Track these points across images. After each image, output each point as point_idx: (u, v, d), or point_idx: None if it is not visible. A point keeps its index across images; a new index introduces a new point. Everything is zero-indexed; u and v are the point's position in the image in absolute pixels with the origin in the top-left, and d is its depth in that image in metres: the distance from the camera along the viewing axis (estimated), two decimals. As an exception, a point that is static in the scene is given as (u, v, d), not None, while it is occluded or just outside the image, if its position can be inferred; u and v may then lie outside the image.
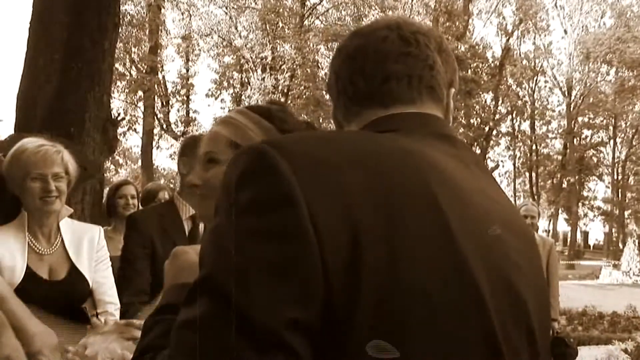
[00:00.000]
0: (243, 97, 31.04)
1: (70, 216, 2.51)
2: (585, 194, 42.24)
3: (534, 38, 37.63)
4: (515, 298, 0.91)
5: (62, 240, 2.42)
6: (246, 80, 31.32)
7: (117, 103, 26.85)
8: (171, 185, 19.44)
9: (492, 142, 36.93)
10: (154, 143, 29.31)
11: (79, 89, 4.41)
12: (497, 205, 0.98)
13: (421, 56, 1.06)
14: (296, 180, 0.76)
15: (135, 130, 29.59)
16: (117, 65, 24.38)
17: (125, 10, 25.59)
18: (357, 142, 0.89)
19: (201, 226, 2.79)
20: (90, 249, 2.47)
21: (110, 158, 21.35)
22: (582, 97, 37.87)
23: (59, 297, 2.28)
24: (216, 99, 32.73)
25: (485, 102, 35.88)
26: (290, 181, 0.76)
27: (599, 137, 41.15)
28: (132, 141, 40.00)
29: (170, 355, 0.78)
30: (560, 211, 41.26)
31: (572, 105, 37.76)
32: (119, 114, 5.09)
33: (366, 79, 1.07)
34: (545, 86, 39.49)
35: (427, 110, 1.05)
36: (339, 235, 0.75)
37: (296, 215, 0.75)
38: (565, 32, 37.34)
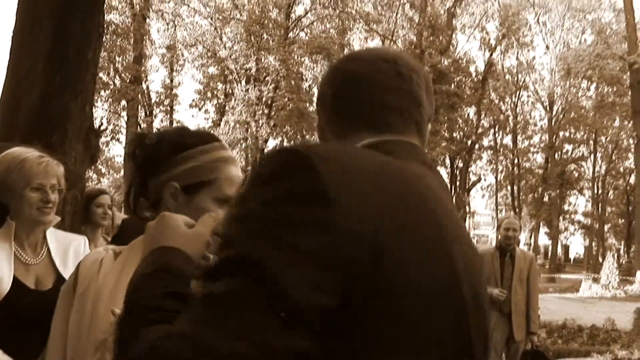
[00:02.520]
0: (227, 107, 31.03)
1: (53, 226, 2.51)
2: (566, 207, 42.66)
3: (517, 53, 38.05)
4: (482, 312, 1.05)
5: (48, 250, 2.41)
6: (230, 91, 31.34)
7: (101, 112, 26.74)
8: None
9: (474, 155, 37.19)
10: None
11: (62, 98, 4.38)
12: (460, 227, 1.11)
13: (413, 93, 1.19)
14: (329, 180, 0.85)
15: (118, 139, 29.47)
16: (100, 74, 24.30)
17: (110, 19, 25.54)
18: (376, 159, 1.00)
19: None
20: (76, 259, 2.46)
21: (92, 167, 21.20)
22: (563, 112, 38.28)
23: (47, 307, 2.26)
24: (200, 109, 32.71)
25: (468, 116, 36.16)
26: (324, 180, 0.85)
27: (579, 151, 41.61)
28: (115, 150, 39.74)
29: (195, 327, 0.81)
30: (541, 225, 41.58)
31: (553, 120, 38.15)
32: (101, 124, 5.08)
33: (364, 105, 1.17)
34: (528, 101, 39.94)
35: (413, 141, 1.17)
36: (363, 237, 0.84)
37: (329, 212, 0.83)
38: (547, 47, 37.81)
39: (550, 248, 41.87)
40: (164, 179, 1.59)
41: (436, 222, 0.98)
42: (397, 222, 0.90)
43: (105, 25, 5.69)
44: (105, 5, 5.07)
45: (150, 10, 28.84)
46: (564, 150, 40.79)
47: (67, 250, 2.46)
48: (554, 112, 38.31)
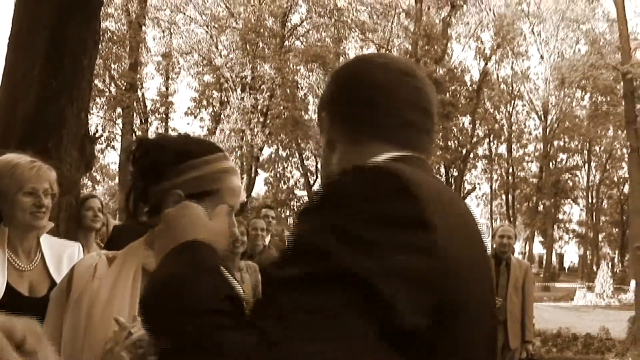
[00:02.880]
0: (222, 116, 31.00)
1: (47, 232, 2.50)
2: (560, 216, 42.75)
3: (512, 63, 38.16)
4: (493, 307, 1.14)
5: (42, 256, 2.40)
6: (225, 99, 31.30)
7: (96, 119, 26.69)
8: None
9: (469, 164, 37.21)
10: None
11: (57, 105, 4.40)
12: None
13: (430, 111, 1.23)
14: (426, 205, 0.89)
15: (113, 147, 29.41)
16: (96, 81, 24.26)
17: (106, 26, 25.53)
18: (433, 179, 1.08)
19: None
20: (70, 266, 2.46)
21: (87, 175, 21.16)
22: (557, 122, 38.38)
23: (40, 314, 2.26)
24: (195, 117, 32.67)
25: (463, 125, 36.19)
26: (425, 207, 0.89)
27: (574, 160, 41.72)
28: (110, 158, 39.71)
29: (286, 334, 0.79)
30: (535, 234, 41.62)
31: (548, 129, 38.25)
32: (97, 131, 5.09)
33: (389, 119, 1.18)
34: (523, 110, 40.03)
35: (423, 157, 1.20)
36: (451, 260, 0.90)
37: (429, 236, 0.87)
38: (542, 57, 37.95)
39: (544, 257, 41.91)
40: (167, 187, 1.60)
41: (481, 243, 1.06)
42: (466, 244, 0.97)
43: (101, 33, 5.70)
44: (101, 13, 5.08)
45: (146, 17, 28.82)
46: (559, 160, 40.91)
47: (61, 256, 2.45)
48: (549, 122, 38.42)
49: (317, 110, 1.30)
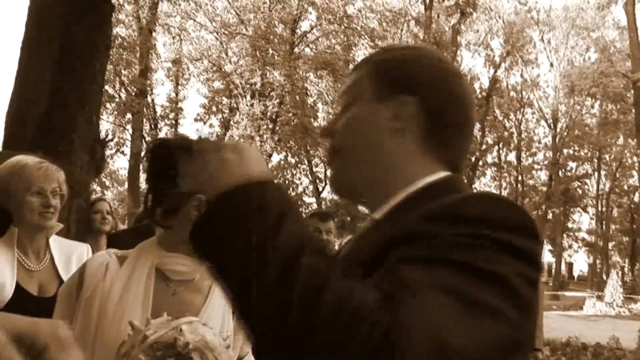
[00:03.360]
0: (232, 122, 31.10)
1: (57, 234, 2.52)
2: (569, 225, 42.51)
3: (522, 70, 38.10)
4: None
5: (52, 256, 2.42)
6: (235, 105, 31.39)
7: (106, 125, 26.78)
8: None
9: (478, 172, 37.13)
10: (141, 166, 29.13)
11: (68, 109, 4.44)
12: None
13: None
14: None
15: (123, 152, 29.50)
16: (106, 87, 24.38)
17: (117, 32, 25.66)
18: None
19: None
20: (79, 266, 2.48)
21: (96, 180, 21.25)
22: (567, 130, 38.25)
23: (49, 314, 2.28)
24: (205, 123, 32.76)
25: (472, 132, 36.13)
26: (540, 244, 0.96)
27: (583, 169, 41.51)
28: (119, 163, 39.86)
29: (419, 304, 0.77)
30: (545, 242, 41.43)
31: (557, 137, 38.12)
32: (107, 135, 5.13)
33: (459, 135, 1.14)
34: (532, 118, 39.91)
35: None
36: None
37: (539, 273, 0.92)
38: (552, 65, 37.88)
39: (554, 265, 41.68)
40: (187, 190, 1.59)
41: None
42: None
43: (112, 38, 5.74)
44: (112, 19, 5.12)
45: (157, 24, 29.00)
46: (568, 168, 40.70)
47: (70, 257, 2.47)
48: (558, 130, 38.29)
49: (387, 73, 1.13)
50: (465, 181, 1.16)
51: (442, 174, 1.09)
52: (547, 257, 45.43)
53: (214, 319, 1.62)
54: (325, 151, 1.24)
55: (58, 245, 2.47)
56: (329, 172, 1.24)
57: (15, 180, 2.31)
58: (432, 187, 1.07)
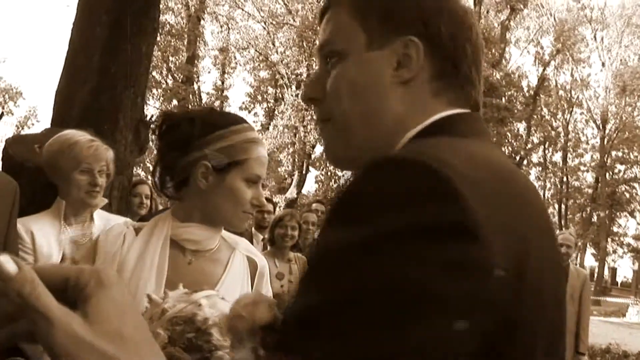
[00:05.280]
0: (276, 112, 31.24)
1: (100, 208, 2.57)
2: (615, 229, 41.52)
3: (572, 69, 37.32)
4: (562, 321, 0.90)
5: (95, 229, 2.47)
6: (280, 95, 31.53)
7: (152, 110, 27.23)
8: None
9: (522, 171, 36.54)
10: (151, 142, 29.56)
11: (115, 89, 4.52)
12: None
13: (481, 65, 0.97)
14: (473, 207, 0.69)
15: (168, 138, 29.91)
16: (154, 73, 24.76)
17: (166, 19, 26.02)
18: (488, 157, 0.83)
19: None
20: None
21: (140, 165, 21.57)
22: (616, 131, 37.35)
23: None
24: (249, 112, 33.00)
25: (518, 131, 35.60)
26: (469, 208, 0.69)
27: (632, 172, 40.48)
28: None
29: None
30: (588, 245, 40.60)
31: (606, 139, 37.27)
32: (152, 117, 5.20)
33: (473, 66, 0.93)
34: (580, 118, 39.09)
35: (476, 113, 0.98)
36: (507, 269, 0.71)
37: (478, 248, 0.68)
38: (603, 64, 36.99)
39: (596, 270, 40.85)
40: (194, 158, 1.61)
41: (552, 233, 0.87)
42: (532, 247, 0.76)
43: (160, 23, 5.81)
44: (161, 5, 5.19)
45: (205, 12, 29.28)
46: (616, 171, 39.77)
47: None
48: (607, 131, 37.42)
49: (379, 11, 0.93)
50: (476, 119, 0.94)
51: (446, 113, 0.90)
52: (589, 261, 44.57)
53: (232, 291, 1.60)
54: (315, 118, 0.99)
55: (102, 219, 2.52)
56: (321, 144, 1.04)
57: (65, 156, 2.37)
58: (423, 132, 0.89)
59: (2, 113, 28.69)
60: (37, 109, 37.31)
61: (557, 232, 6.81)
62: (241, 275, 1.74)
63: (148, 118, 4.95)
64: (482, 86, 0.98)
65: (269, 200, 6.41)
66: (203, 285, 1.37)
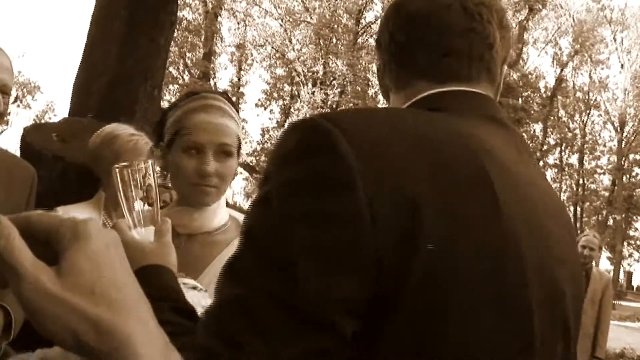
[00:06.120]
0: (292, 109, 31.29)
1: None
2: (631, 233, 41.16)
3: (590, 71, 37.01)
4: (556, 292, 0.89)
5: None
6: (296, 93, 31.56)
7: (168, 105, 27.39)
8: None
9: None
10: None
11: (132, 82, 4.55)
12: (546, 195, 0.96)
13: (483, 34, 1.01)
14: (354, 161, 0.72)
15: (183, 134, 30.04)
16: (170, 69, 24.89)
17: (183, 15, 26.13)
18: (414, 123, 0.85)
19: None
20: None
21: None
22: (635, 134, 37.00)
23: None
24: (265, 109, 33.07)
25: (534, 132, 35.39)
26: (349, 162, 0.72)
27: (649, 176, 40.14)
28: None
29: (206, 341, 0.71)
30: (603, 249, 40.30)
31: (623, 142, 36.94)
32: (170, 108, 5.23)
33: (425, 50, 1.01)
34: (598, 120, 38.77)
35: (482, 90, 1.01)
36: (394, 218, 0.72)
37: (354, 200, 0.71)
38: (622, 66, 36.65)
39: (611, 273, 40.53)
40: (162, 145, 1.65)
41: (489, 191, 0.81)
42: (435, 196, 0.75)
43: (177, 19, 5.84)
44: (179, 1, 5.23)
45: (223, 8, 29.39)
46: (633, 174, 39.40)
47: None
48: (625, 133, 37.09)
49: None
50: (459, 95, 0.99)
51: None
52: (605, 265, 44.24)
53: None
54: None
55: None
56: None
57: (106, 150, 2.43)
58: None
59: (17, 97, 28.91)
60: (54, 103, 37.65)
61: (584, 233, 6.65)
62: None
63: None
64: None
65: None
66: (189, 269, 1.38)
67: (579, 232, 36.05)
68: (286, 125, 0.86)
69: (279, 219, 0.72)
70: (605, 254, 41.06)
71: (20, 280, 0.49)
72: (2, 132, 16.73)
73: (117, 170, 1.18)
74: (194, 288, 1.28)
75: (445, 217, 0.75)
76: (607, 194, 38.78)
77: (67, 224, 0.52)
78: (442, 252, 0.73)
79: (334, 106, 29.50)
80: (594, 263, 6.30)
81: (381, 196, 0.72)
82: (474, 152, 0.84)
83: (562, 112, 36.38)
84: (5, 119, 1.94)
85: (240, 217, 1.77)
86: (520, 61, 33.03)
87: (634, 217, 40.19)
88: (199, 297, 1.20)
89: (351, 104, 29.50)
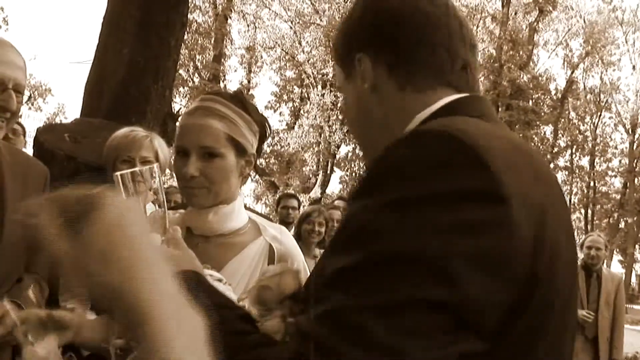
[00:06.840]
0: (302, 111, 31.27)
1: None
2: (643, 236, 40.88)
3: (601, 72, 36.80)
4: (575, 292, 0.99)
5: None
6: (306, 95, 31.54)
7: (178, 108, 27.45)
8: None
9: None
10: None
11: (143, 82, 4.58)
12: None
13: (477, 51, 1.10)
14: (503, 175, 0.77)
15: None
16: (180, 71, 24.93)
17: (193, 18, 26.18)
18: (503, 134, 0.93)
19: None
20: None
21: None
22: (646, 136, 36.78)
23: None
24: (275, 111, 33.06)
25: (545, 134, 35.21)
26: (498, 176, 0.77)
27: (661, 178, 39.84)
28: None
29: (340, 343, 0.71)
30: (615, 252, 40.01)
31: (635, 144, 36.69)
32: (179, 110, 5.25)
33: (450, 59, 1.04)
34: (609, 122, 38.53)
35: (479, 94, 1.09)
36: (532, 227, 0.79)
37: (507, 211, 0.76)
38: (634, 67, 36.42)
39: (623, 277, 40.20)
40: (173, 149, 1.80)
41: (564, 203, 0.94)
42: (549, 213, 0.83)
43: (188, 21, 5.87)
44: (189, 2, 5.25)
45: (233, 11, 29.41)
46: (645, 176, 39.15)
47: None
48: (637, 136, 36.84)
49: (340, 49, 1.13)
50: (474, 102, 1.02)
51: (437, 105, 1.00)
52: (616, 268, 43.93)
53: (236, 277, 1.61)
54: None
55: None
56: None
57: (108, 148, 2.47)
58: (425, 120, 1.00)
59: (30, 95, 29.07)
60: (65, 106, 37.81)
61: (589, 234, 6.60)
62: (252, 262, 1.69)
63: (175, 112, 5.00)
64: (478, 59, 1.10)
65: (293, 196, 6.42)
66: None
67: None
68: (408, 134, 0.86)
69: (431, 228, 0.74)
70: (616, 257, 40.78)
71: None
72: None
73: (118, 177, 1.17)
74: (220, 280, 1.28)
75: (555, 221, 0.85)
76: (618, 196, 38.52)
77: (89, 194, 0.59)
78: (553, 257, 0.82)
79: (344, 108, 29.46)
80: (604, 265, 6.24)
81: (523, 207, 0.78)
82: (535, 154, 0.95)
83: (572, 114, 36.16)
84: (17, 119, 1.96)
85: (261, 220, 1.77)
86: (531, 63, 32.87)
87: (646, 220, 39.91)
88: (224, 289, 1.20)
89: (360, 106, 29.43)
